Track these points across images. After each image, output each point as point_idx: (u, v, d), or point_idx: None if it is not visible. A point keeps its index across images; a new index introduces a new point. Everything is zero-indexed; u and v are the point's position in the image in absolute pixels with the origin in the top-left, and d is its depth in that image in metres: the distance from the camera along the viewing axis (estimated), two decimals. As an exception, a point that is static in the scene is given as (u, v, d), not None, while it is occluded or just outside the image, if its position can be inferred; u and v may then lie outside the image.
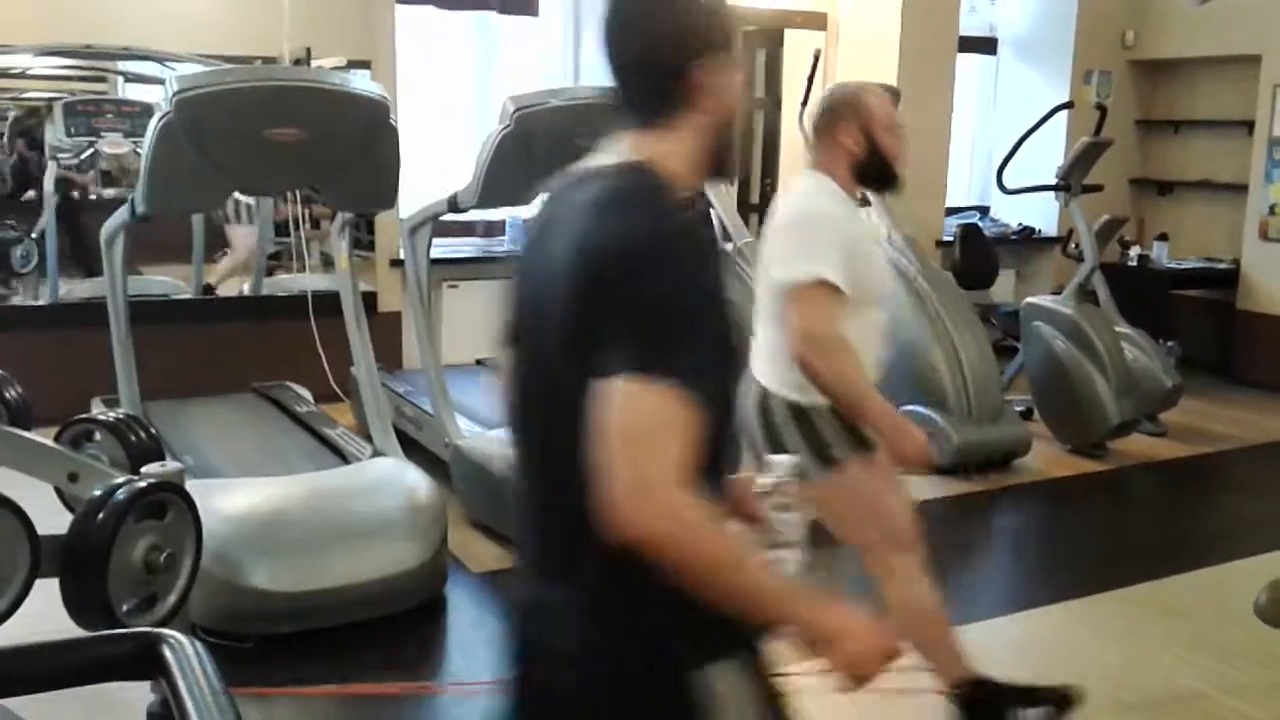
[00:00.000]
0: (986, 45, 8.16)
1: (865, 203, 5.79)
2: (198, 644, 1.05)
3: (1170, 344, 6.21)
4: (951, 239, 6.69)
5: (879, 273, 2.64)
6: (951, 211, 7.72)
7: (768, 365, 2.64)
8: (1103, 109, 6.13)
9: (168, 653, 1.03)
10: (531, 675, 1.46)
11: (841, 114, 2.63)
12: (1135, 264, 7.40)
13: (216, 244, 6.40)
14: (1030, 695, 2.75)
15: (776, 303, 2.54)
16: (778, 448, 2.62)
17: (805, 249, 2.49)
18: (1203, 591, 3.87)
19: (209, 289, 6.31)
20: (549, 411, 1.38)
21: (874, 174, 2.67)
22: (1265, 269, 7.07)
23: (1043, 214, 7.81)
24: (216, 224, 6.27)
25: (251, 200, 6.10)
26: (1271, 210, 6.99)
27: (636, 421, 1.24)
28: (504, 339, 1.49)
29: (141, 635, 1.10)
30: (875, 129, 2.62)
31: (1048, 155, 6.54)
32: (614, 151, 1.44)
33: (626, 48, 1.44)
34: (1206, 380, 7.00)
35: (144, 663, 1.05)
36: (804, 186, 2.67)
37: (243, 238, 6.37)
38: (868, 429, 2.55)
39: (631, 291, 1.28)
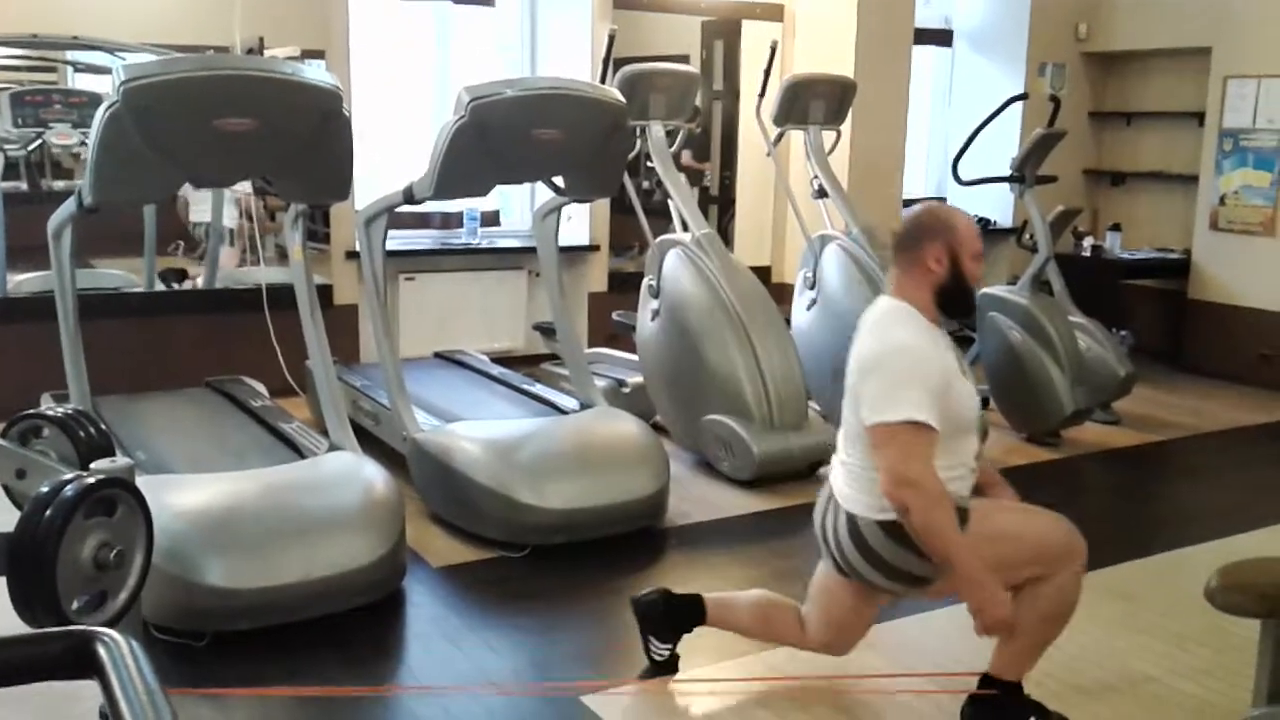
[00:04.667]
0: (942, 37, 8.21)
1: (822, 194, 5.83)
2: (133, 642, 1.03)
3: (1123, 333, 6.29)
4: (908, 230, 6.72)
5: (968, 401, 2.60)
6: (908, 203, 7.75)
7: (851, 490, 2.63)
8: (1056, 101, 6.20)
9: (102, 651, 1.01)
10: None
11: (931, 238, 2.59)
12: (1089, 254, 7.49)
13: (172, 236, 6.29)
14: (1043, 713, 2.77)
15: (865, 438, 2.53)
16: (887, 570, 2.62)
17: (896, 388, 2.47)
18: (1155, 577, 3.92)
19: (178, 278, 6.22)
20: None
21: (954, 301, 2.62)
22: (1215, 259, 7.17)
23: (998, 205, 7.88)
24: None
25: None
26: (1222, 201, 7.10)
27: None
28: None
29: (74, 634, 1.07)
30: (962, 255, 2.59)
31: (1002, 147, 6.59)
32: None
33: None
34: (1158, 369, 7.11)
35: (77, 662, 1.03)
36: (886, 317, 2.63)
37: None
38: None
39: None
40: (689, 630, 3.08)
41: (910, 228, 2.65)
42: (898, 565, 2.61)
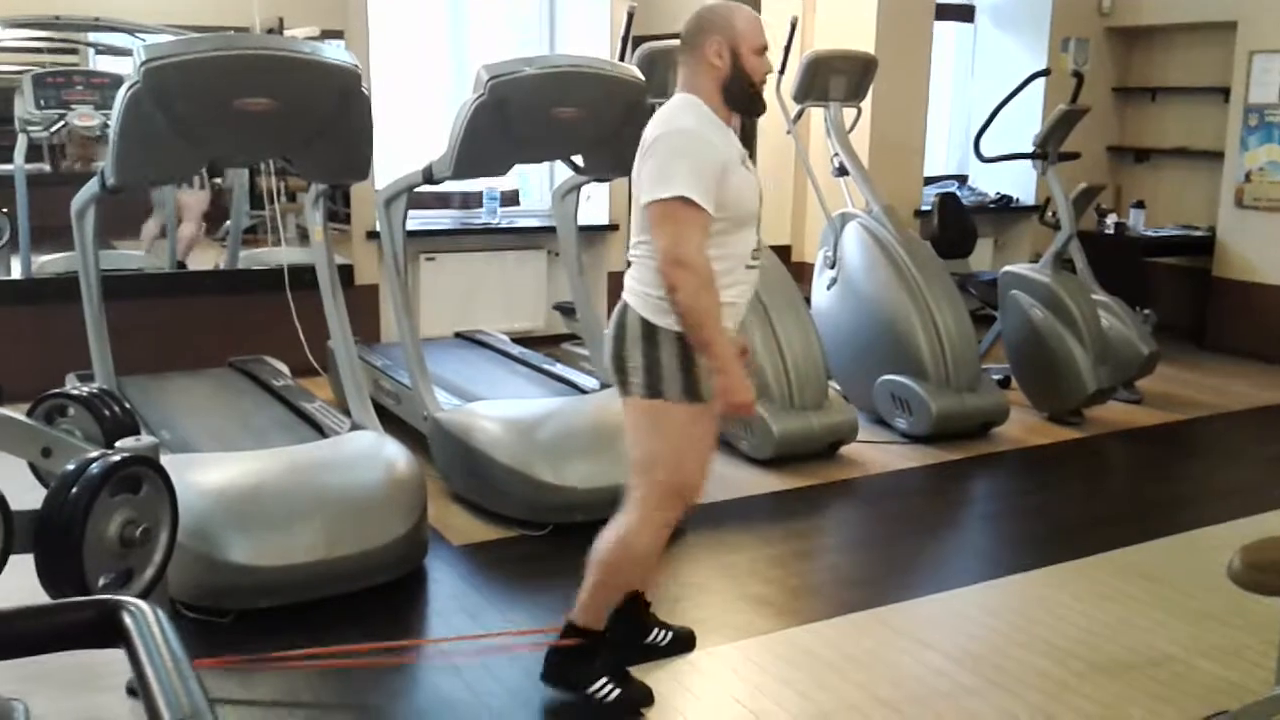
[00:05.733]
0: (964, 13, 8.14)
1: (842, 172, 5.80)
2: (159, 611, 1.04)
3: (1146, 311, 6.25)
4: (930, 208, 6.70)
5: (747, 193, 2.62)
6: (930, 181, 7.73)
7: (633, 282, 2.68)
8: (1080, 76, 6.13)
9: (128, 620, 1.02)
10: None
11: (709, 31, 2.63)
12: (1112, 232, 7.43)
13: (145, 210, 6.24)
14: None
15: (645, 221, 2.57)
16: (618, 358, 2.66)
17: (670, 167, 2.50)
18: (1177, 556, 3.91)
19: (181, 264, 6.25)
20: None
21: (738, 96, 2.66)
22: (1240, 236, 7.11)
23: (1020, 182, 7.82)
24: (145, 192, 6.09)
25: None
26: (1247, 177, 7.02)
27: None
28: None
29: (101, 603, 1.09)
30: (742, 49, 2.62)
31: (1025, 123, 6.55)
32: None
33: None
34: (1182, 347, 7.06)
35: (104, 630, 1.04)
36: (671, 106, 2.66)
37: (193, 204, 6.26)
38: (705, 363, 2.58)
39: None
40: (647, 605, 3.10)
41: (691, 24, 2.69)
42: (629, 361, 2.62)
